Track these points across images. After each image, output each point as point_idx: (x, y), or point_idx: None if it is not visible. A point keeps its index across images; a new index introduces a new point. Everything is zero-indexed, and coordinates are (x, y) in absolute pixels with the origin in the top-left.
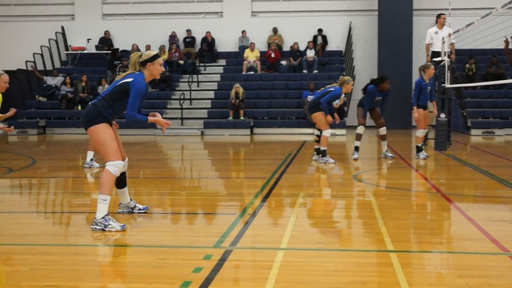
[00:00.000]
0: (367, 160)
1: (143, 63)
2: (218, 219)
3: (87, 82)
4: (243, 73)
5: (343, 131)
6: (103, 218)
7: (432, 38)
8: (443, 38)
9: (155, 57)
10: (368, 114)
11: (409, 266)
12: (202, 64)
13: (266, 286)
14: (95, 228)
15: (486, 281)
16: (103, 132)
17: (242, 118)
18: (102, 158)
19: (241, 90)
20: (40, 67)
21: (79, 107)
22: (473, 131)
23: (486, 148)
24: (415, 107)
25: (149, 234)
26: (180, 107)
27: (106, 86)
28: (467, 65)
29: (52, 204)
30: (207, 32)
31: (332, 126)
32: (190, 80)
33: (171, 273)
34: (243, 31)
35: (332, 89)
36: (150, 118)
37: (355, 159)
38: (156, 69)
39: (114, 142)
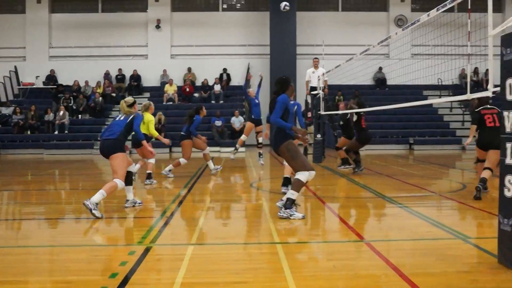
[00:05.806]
0: (266, 170)
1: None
2: (141, 221)
3: (35, 112)
4: (164, 103)
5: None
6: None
7: (310, 76)
8: (319, 76)
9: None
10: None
11: (291, 254)
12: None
13: (178, 274)
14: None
15: (348, 263)
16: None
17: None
18: None
19: (163, 117)
20: None
21: (29, 132)
22: None
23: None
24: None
25: (84, 235)
26: None
27: (52, 114)
28: (336, 97)
29: (5, 212)
30: (134, 70)
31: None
32: None
33: (103, 267)
34: (164, 70)
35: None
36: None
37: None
38: None
39: None
